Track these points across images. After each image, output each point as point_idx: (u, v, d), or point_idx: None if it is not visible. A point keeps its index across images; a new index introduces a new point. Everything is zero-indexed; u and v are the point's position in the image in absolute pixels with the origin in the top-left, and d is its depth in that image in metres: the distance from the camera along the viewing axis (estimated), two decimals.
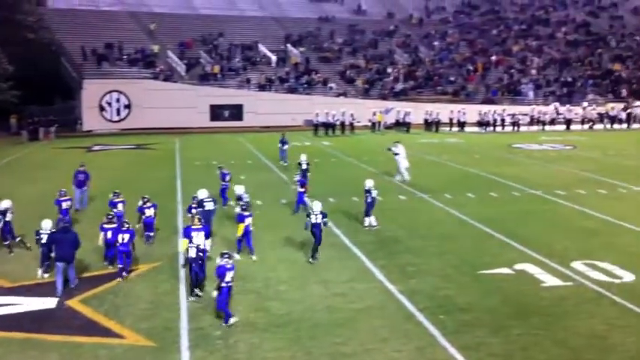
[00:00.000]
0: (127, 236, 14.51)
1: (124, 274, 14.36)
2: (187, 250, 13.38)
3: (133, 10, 62.01)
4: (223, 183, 21.55)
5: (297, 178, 20.90)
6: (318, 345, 11.03)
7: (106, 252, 15.26)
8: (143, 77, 52.12)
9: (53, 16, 55.88)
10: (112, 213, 16.25)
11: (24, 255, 16.19)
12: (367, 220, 18.76)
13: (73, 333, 11.54)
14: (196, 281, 13.26)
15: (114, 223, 15.29)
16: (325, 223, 15.72)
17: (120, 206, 17.69)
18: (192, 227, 13.75)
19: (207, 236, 13.91)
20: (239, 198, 17.99)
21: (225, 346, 11.03)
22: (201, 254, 13.28)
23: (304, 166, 24.59)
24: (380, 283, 14.15)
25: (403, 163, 26.21)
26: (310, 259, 15.60)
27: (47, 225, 14.79)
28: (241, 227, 15.74)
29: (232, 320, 11.79)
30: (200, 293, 13.23)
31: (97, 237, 15.33)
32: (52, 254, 14.07)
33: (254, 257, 15.69)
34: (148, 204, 17.51)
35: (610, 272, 14.65)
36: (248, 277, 14.44)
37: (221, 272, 11.74)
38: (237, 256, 15.22)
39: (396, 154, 26.28)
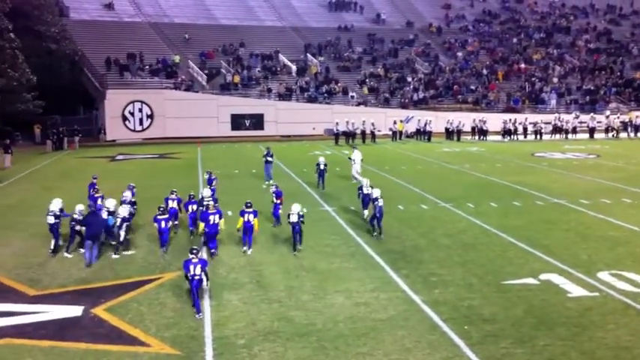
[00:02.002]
0: (195, 207, 18.45)
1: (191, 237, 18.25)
2: (289, 215, 16.76)
3: (154, 21, 62.74)
4: (211, 188, 21.77)
5: (273, 189, 20.78)
6: (343, 355, 11.01)
7: (160, 239, 17.09)
8: (165, 87, 52.62)
9: (75, 27, 56.65)
10: (162, 205, 18.04)
11: (52, 261, 16.43)
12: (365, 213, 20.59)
13: (98, 341, 11.63)
14: (299, 239, 16.84)
15: (165, 214, 17.26)
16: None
17: (170, 203, 19.02)
18: (209, 212, 16.77)
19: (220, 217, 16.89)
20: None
21: (249, 354, 11.06)
22: (302, 219, 16.80)
23: (322, 167, 25.54)
24: (403, 292, 14.09)
25: (355, 167, 28.55)
26: (378, 235, 18.39)
27: (80, 208, 17.11)
28: (240, 221, 17.15)
29: (199, 316, 12.66)
30: (300, 247, 16.88)
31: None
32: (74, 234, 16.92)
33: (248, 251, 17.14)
34: (172, 196, 19.40)
35: (637, 283, 14.46)
36: (270, 285, 14.50)
37: (186, 266, 13.02)
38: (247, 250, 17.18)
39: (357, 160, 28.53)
